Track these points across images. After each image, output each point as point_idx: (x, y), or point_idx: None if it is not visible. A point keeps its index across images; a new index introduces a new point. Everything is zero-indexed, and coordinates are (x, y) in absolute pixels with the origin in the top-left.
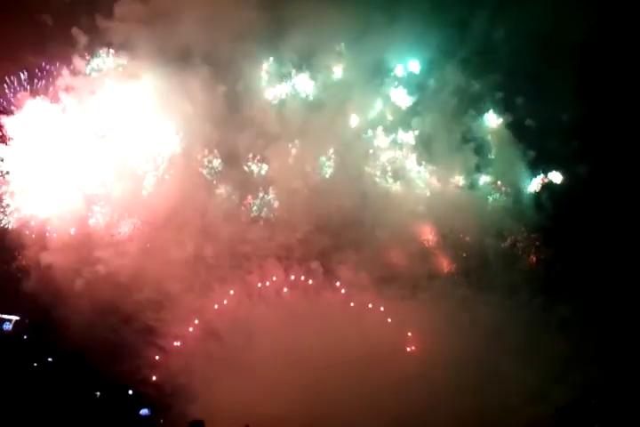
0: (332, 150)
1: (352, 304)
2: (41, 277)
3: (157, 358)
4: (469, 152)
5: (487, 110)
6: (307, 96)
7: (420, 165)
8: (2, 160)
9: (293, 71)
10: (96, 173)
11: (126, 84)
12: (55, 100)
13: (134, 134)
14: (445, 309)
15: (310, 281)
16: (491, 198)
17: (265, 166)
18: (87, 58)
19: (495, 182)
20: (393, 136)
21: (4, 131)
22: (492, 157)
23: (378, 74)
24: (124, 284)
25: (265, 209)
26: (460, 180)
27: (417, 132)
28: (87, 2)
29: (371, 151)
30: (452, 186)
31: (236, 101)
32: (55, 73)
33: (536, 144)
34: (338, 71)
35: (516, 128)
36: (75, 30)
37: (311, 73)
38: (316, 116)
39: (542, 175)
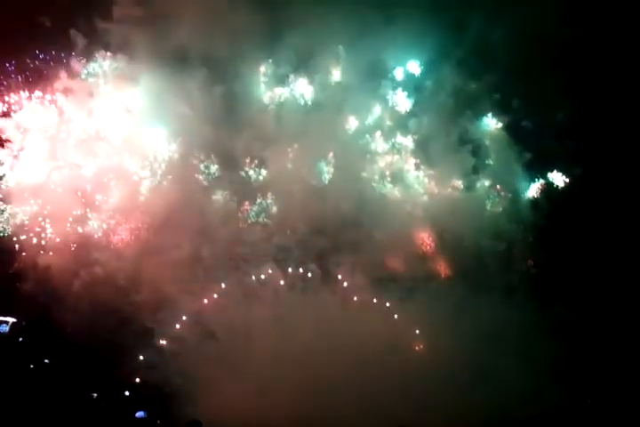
0: (330, 154)
1: (350, 305)
2: (38, 279)
3: (155, 359)
4: (466, 154)
5: (485, 112)
6: (305, 102)
7: (417, 168)
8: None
9: (292, 76)
10: (93, 178)
11: (123, 87)
12: (52, 103)
13: (131, 139)
14: (443, 310)
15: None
16: (488, 199)
17: (263, 171)
18: (84, 61)
19: (492, 184)
20: (392, 140)
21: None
22: (490, 158)
23: (376, 76)
24: (120, 286)
25: (263, 215)
26: (457, 182)
27: (415, 136)
28: (85, 4)
29: (368, 156)
30: (449, 188)
31: (233, 105)
32: (53, 76)
33: (533, 145)
34: (336, 74)
35: (513, 130)
36: (73, 32)
37: (309, 76)
38: (314, 120)
39: (539, 177)
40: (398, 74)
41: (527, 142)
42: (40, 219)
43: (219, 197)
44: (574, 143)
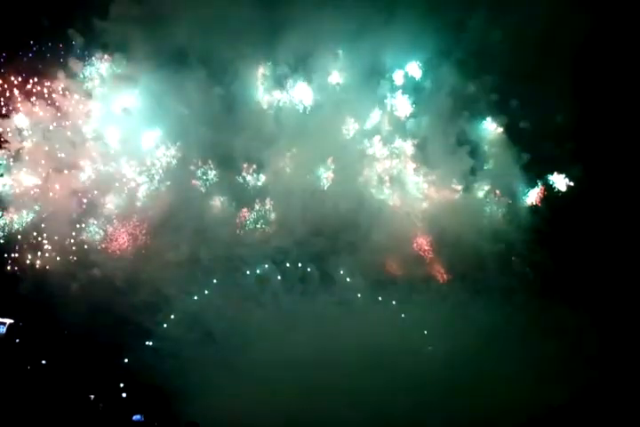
0: (329, 159)
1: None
2: (35, 281)
3: (152, 360)
4: (464, 155)
5: (483, 114)
6: (305, 108)
7: (416, 172)
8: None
9: (290, 81)
10: (90, 182)
11: (121, 90)
12: (50, 105)
13: (129, 144)
14: (441, 312)
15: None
16: (487, 200)
17: (262, 177)
18: (82, 64)
19: (491, 187)
20: (390, 145)
21: None
22: (488, 160)
23: (374, 76)
24: (117, 288)
25: (261, 221)
26: (456, 185)
27: (415, 140)
28: (83, 5)
29: (366, 160)
30: (448, 190)
31: (231, 109)
32: (51, 77)
33: (531, 147)
34: (335, 75)
35: (511, 132)
36: (71, 32)
37: (307, 78)
38: (312, 124)
39: (538, 179)
40: (398, 78)
41: (526, 144)
42: (37, 221)
43: (217, 202)
44: (573, 144)
